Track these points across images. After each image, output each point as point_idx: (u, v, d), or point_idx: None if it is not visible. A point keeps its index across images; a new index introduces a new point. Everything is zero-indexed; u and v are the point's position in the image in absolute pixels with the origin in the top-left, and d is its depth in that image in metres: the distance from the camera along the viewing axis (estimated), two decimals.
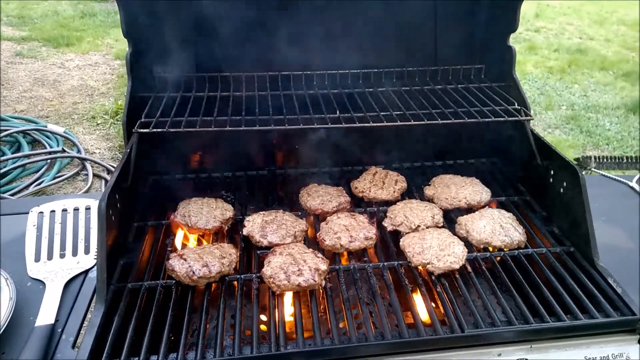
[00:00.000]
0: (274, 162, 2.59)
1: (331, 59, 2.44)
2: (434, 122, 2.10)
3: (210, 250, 1.94)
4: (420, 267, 1.91)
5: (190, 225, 2.10)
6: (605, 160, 2.74)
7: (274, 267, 1.84)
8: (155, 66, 2.32)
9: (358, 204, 2.33)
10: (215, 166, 2.56)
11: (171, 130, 2.02)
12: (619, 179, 2.64)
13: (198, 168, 2.56)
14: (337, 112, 2.18)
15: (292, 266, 1.84)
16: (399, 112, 2.19)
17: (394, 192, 2.31)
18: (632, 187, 2.58)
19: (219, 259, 1.89)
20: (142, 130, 2.03)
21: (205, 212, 2.14)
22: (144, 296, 1.82)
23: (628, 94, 7.77)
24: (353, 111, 2.20)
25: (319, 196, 2.24)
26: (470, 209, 2.23)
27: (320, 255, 1.92)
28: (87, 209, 2.25)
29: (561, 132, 6.78)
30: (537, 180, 2.28)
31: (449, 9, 2.49)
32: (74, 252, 2.06)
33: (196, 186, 2.48)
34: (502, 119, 2.15)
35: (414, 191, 2.41)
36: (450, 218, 2.21)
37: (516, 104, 2.26)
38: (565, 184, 2.08)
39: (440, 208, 2.21)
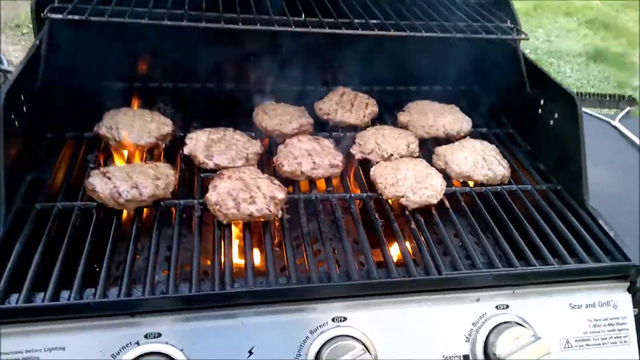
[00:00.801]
0: (224, 75, 2.24)
1: None
2: (417, 33, 1.83)
3: (142, 169, 1.63)
4: (392, 201, 1.68)
5: (117, 139, 1.76)
6: (587, 96, 2.57)
7: (220, 193, 1.55)
8: None
9: (322, 127, 2.05)
10: (152, 73, 2.20)
11: (92, 18, 1.65)
12: (601, 117, 2.49)
13: (130, 75, 2.18)
14: (302, 15, 1.86)
15: (243, 192, 1.56)
16: (375, 21, 1.90)
17: (364, 116, 2.04)
18: (614, 127, 2.43)
19: (152, 180, 1.58)
20: (54, 15, 1.64)
21: (137, 125, 1.81)
22: (55, 220, 1.51)
23: (590, 41, 7.74)
24: (321, 14, 1.89)
25: (277, 115, 1.94)
26: (448, 140, 2.01)
27: (277, 182, 1.65)
28: None
29: None
30: (523, 111, 2.07)
31: None
32: None
33: (128, 96, 2.11)
34: (493, 36, 1.90)
35: (387, 117, 2.15)
36: (427, 148, 1.97)
37: (508, 22, 2.01)
38: (556, 116, 1.88)
39: (416, 136, 1.97)
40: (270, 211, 1.54)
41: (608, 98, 2.57)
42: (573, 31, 8.00)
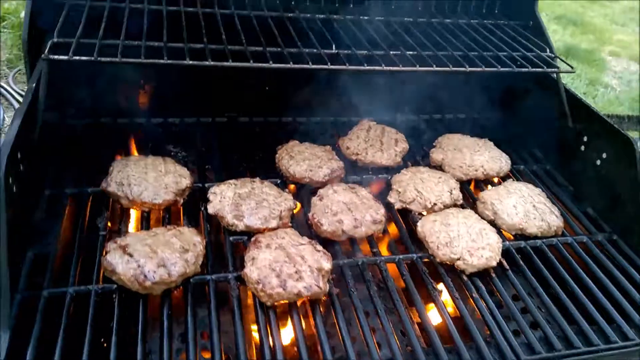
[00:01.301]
0: (236, 106, 1.98)
1: None
2: (459, 68, 1.63)
3: (165, 238, 1.38)
4: (445, 262, 1.49)
5: (131, 198, 1.50)
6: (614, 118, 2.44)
7: (261, 268, 1.32)
8: None
9: (350, 168, 1.83)
10: (157, 108, 1.92)
11: (103, 59, 1.37)
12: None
13: (133, 109, 1.90)
14: (319, 48, 1.63)
15: (287, 265, 1.34)
16: (411, 53, 1.68)
17: (395, 155, 1.84)
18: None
19: (180, 254, 1.33)
20: (57, 57, 1.35)
21: (151, 178, 1.54)
22: (69, 310, 1.25)
23: (560, 37, 7.72)
24: (337, 46, 1.66)
25: (305, 159, 1.71)
26: (486, 180, 1.83)
27: (319, 247, 1.43)
28: None
29: None
30: (562, 147, 1.91)
31: None
32: None
33: (132, 136, 1.83)
34: (539, 69, 1.71)
35: (416, 151, 1.95)
36: (465, 191, 1.79)
37: (548, 50, 1.83)
38: (605, 155, 1.72)
39: (454, 178, 1.78)
40: (320, 288, 1.32)
41: (627, 120, 2.45)
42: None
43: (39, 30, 1.55)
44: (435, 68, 1.58)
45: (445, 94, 2.13)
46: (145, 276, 1.26)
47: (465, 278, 1.46)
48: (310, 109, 2.01)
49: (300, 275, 1.32)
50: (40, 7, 1.56)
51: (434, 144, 1.95)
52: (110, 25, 1.53)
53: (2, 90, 4.36)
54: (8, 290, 1.16)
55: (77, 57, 1.34)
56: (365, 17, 1.85)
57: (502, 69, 1.65)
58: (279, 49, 1.56)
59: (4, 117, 4.09)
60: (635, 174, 1.58)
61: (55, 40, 1.41)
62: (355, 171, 1.82)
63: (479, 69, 1.63)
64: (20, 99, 4.28)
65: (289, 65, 1.47)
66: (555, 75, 1.86)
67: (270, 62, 1.47)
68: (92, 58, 1.35)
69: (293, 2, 1.83)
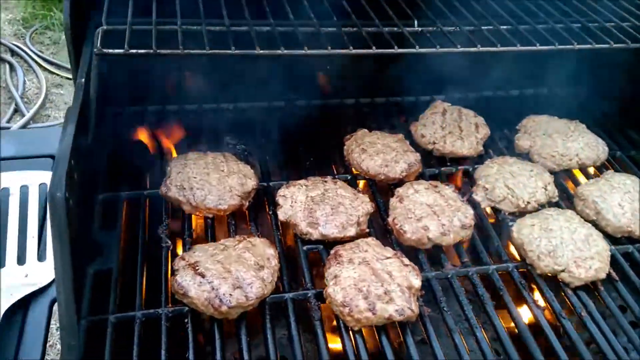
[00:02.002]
0: (292, 88, 1.76)
1: None
2: (567, 46, 1.36)
3: (237, 252, 1.21)
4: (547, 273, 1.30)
5: (194, 204, 1.32)
6: None
7: (346, 288, 1.15)
8: None
9: (425, 158, 1.61)
10: (207, 93, 1.71)
11: (163, 52, 1.16)
12: None
13: (182, 95, 1.69)
14: (400, 25, 1.37)
15: (374, 285, 1.16)
16: (506, 27, 1.42)
17: (477, 142, 1.61)
18: None
19: (255, 271, 1.17)
20: (111, 51, 1.14)
21: (214, 180, 1.36)
22: (140, 336, 1.10)
23: None
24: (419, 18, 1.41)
25: (378, 152, 1.50)
26: (581, 170, 1.61)
27: (406, 260, 1.24)
28: (41, 185, 1.40)
29: None
30: None
31: None
32: (21, 260, 1.25)
33: (184, 125, 1.64)
34: None
35: (497, 137, 1.72)
36: (558, 184, 1.56)
37: None
38: None
39: (545, 169, 1.55)
40: (413, 311, 1.14)
41: None
42: None
43: (81, 8, 1.34)
44: (538, 47, 1.32)
45: (524, 67, 1.86)
46: (220, 300, 1.10)
47: (570, 292, 1.27)
48: (374, 88, 1.77)
49: (390, 296, 1.15)
50: None
51: (517, 127, 1.71)
52: (162, 8, 1.31)
53: (20, 51, 4.16)
54: (75, 318, 1.02)
55: (134, 51, 1.13)
56: None
57: (615, 46, 1.38)
58: (334, 29, 1.31)
59: (24, 81, 3.92)
60: None
61: (105, 27, 1.20)
62: (430, 162, 1.61)
63: (588, 46, 1.37)
64: (39, 61, 4.06)
65: (371, 51, 1.24)
66: None
67: (351, 47, 1.24)
68: (151, 51, 1.14)
69: None
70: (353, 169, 1.53)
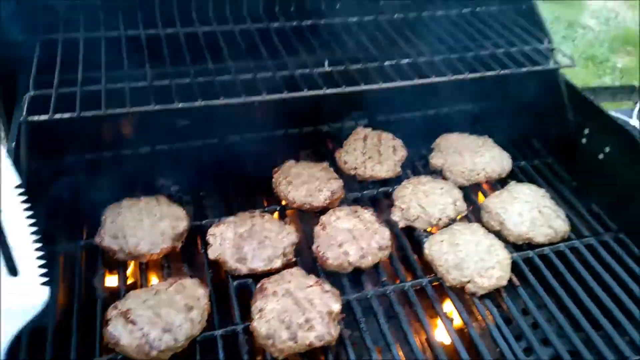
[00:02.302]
0: (225, 125, 1.81)
1: None
2: (459, 76, 1.47)
3: (168, 296, 1.26)
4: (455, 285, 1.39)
5: (127, 251, 1.37)
6: (600, 91, 2.29)
7: (270, 321, 1.22)
8: None
9: (348, 182, 1.69)
10: (142, 136, 1.75)
11: (86, 115, 1.20)
12: (618, 115, 2.22)
13: (117, 141, 1.73)
14: (326, 64, 1.46)
15: (296, 315, 1.23)
16: (389, 62, 1.50)
17: (395, 165, 1.70)
18: (633, 126, 2.17)
19: (185, 313, 1.22)
20: (36, 118, 1.19)
21: (147, 226, 1.41)
22: None
23: None
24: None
25: (303, 183, 1.57)
26: (489, 183, 1.71)
27: (327, 286, 1.32)
28: None
29: None
30: (563, 139, 1.77)
31: None
32: None
33: (120, 171, 1.67)
34: (539, 67, 1.55)
35: (415, 160, 1.80)
36: (469, 198, 1.66)
37: (546, 42, 1.66)
38: (608, 149, 1.59)
39: (456, 185, 1.65)
40: (332, 335, 1.22)
41: (621, 91, 2.30)
42: None
43: (10, 74, 1.37)
44: (434, 79, 1.42)
45: (439, 88, 1.95)
46: (150, 346, 1.16)
47: (477, 301, 1.36)
48: (303, 118, 1.84)
49: (311, 324, 1.22)
50: (10, 47, 1.37)
51: (432, 146, 1.80)
52: (88, 61, 1.35)
53: None
54: None
55: (59, 116, 1.18)
56: (354, 19, 1.65)
57: (502, 72, 1.49)
58: (269, 74, 1.39)
59: None
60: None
61: (32, 93, 1.24)
62: (354, 186, 1.68)
63: (478, 75, 1.47)
64: None
65: (283, 95, 1.31)
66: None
67: (264, 93, 1.31)
68: (74, 114, 1.18)
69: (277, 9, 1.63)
70: (282, 200, 1.59)
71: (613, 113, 2.16)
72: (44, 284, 1.01)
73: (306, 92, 1.36)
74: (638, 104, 2.27)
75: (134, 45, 1.44)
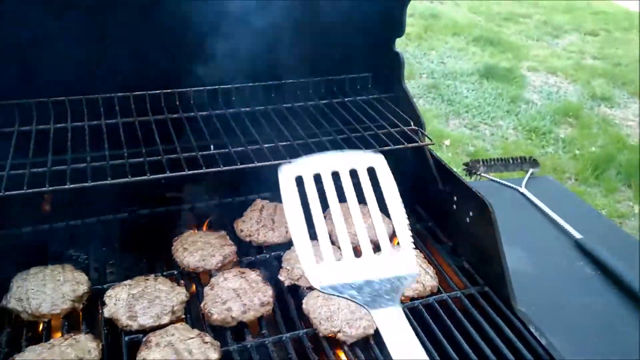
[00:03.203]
0: (135, 201, 2.12)
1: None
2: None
3: (60, 349, 1.49)
4: (329, 336, 1.65)
5: (30, 312, 1.61)
6: (492, 162, 2.68)
7: None
8: None
9: (246, 249, 1.99)
10: (56, 213, 2.03)
11: (10, 194, 1.49)
12: (508, 184, 2.60)
13: (32, 217, 2.01)
14: (212, 148, 1.80)
15: None
16: (285, 143, 1.86)
17: (286, 232, 2.00)
18: (522, 193, 2.55)
19: None
20: None
21: (49, 289, 1.66)
22: None
23: (480, 59, 8.17)
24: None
25: (198, 249, 1.86)
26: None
27: (208, 338, 1.57)
28: None
29: (425, 101, 6.93)
30: (439, 206, 2.11)
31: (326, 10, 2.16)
32: None
33: (34, 244, 1.94)
34: (401, 146, 1.92)
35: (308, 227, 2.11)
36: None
37: (412, 123, 2.05)
38: (471, 214, 1.93)
39: None
40: None
41: (512, 162, 2.69)
42: (463, 50, 8.41)
43: None
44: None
45: None
46: None
47: (346, 349, 1.62)
48: (208, 191, 2.16)
49: None
50: None
51: (324, 214, 2.11)
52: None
53: None
54: None
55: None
56: (245, 109, 2.03)
57: (366, 151, 1.84)
58: (158, 157, 1.72)
59: None
60: (495, 236, 1.78)
61: None
62: (250, 251, 1.98)
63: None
64: None
65: (166, 175, 1.63)
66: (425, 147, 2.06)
67: (148, 174, 1.63)
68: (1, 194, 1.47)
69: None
70: (180, 266, 1.87)
71: (504, 182, 2.57)
72: None
73: (187, 172, 1.68)
74: (528, 173, 2.66)
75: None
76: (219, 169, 1.70)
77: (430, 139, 1.95)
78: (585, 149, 6.17)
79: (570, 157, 6.04)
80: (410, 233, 0.97)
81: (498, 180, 2.62)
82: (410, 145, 1.91)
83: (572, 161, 5.95)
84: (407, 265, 0.92)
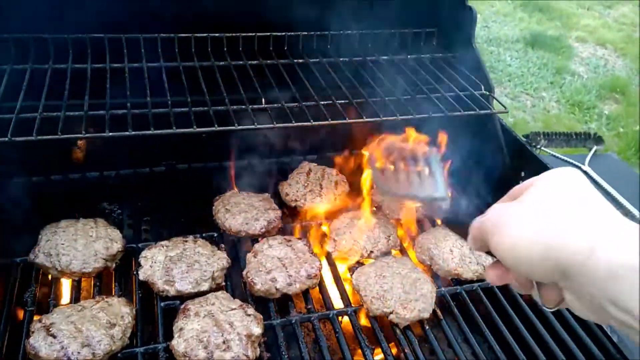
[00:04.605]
0: (174, 154, 1.95)
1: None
2: (407, 116, 1.61)
3: (92, 312, 1.36)
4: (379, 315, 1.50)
5: (59, 268, 1.48)
6: (554, 136, 2.46)
7: (188, 340, 1.32)
8: None
9: (292, 213, 1.83)
10: (90, 162, 1.88)
11: (43, 138, 1.34)
12: (571, 160, 2.38)
13: (64, 165, 1.86)
14: (263, 102, 1.61)
15: (215, 335, 1.33)
16: (344, 101, 1.66)
17: (335, 198, 1.83)
18: (585, 172, 2.32)
19: (106, 330, 1.32)
20: None
21: (80, 245, 1.52)
22: None
23: (526, 25, 7.74)
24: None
25: (241, 212, 1.70)
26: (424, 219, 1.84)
27: (251, 310, 1.42)
28: None
29: None
30: (501, 180, 1.91)
31: None
32: None
33: (65, 195, 1.80)
34: (472, 112, 1.71)
35: (358, 195, 1.94)
36: (405, 234, 1.79)
37: (482, 88, 1.83)
38: None
39: (391, 220, 1.78)
40: (248, 357, 1.32)
41: (574, 137, 2.46)
42: (509, 15, 7.97)
43: None
44: (382, 119, 1.58)
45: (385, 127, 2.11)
46: (68, 358, 1.25)
47: (398, 332, 1.47)
48: (250, 150, 1.99)
49: (229, 344, 1.32)
50: None
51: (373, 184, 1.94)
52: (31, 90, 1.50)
53: None
54: None
55: (17, 139, 1.31)
56: (296, 60, 1.82)
57: (433, 115, 1.64)
58: (205, 108, 1.54)
59: None
60: None
61: None
62: (295, 218, 1.82)
63: (409, 117, 1.62)
64: None
65: (212, 129, 1.46)
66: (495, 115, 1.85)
67: (194, 126, 1.45)
68: (33, 138, 1.32)
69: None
70: (220, 228, 1.72)
71: (566, 158, 2.35)
72: None
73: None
74: (591, 151, 2.43)
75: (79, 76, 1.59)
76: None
77: (504, 106, 1.73)
78: (629, 127, 5.83)
79: (613, 135, 5.72)
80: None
81: (559, 155, 2.40)
82: (482, 112, 1.70)
83: (615, 139, 5.64)
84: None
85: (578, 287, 0.66)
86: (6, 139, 1.27)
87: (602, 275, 0.62)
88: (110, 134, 1.38)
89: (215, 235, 1.70)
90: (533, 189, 0.74)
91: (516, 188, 0.80)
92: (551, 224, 0.67)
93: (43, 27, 1.60)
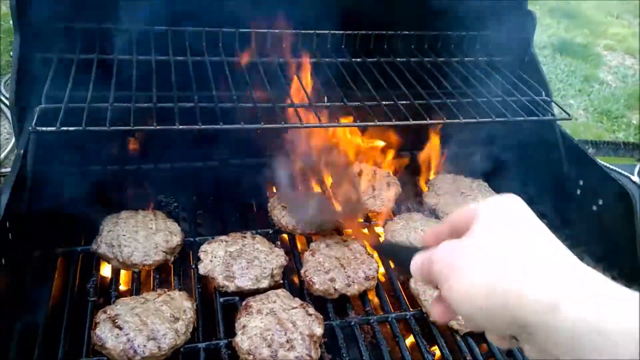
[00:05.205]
0: (227, 149, 1.93)
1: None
2: (454, 120, 1.59)
3: (155, 305, 1.35)
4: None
5: (121, 260, 1.47)
6: (602, 145, 2.41)
7: (252, 337, 1.30)
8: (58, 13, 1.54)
9: None
10: (146, 154, 1.87)
11: (91, 129, 1.33)
12: (619, 170, 2.33)
13: (120, 157, 1.85)
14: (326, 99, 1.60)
15: (278, 334, 1.31)
16: (388, 103, 1.62)
17: (388, 200, 1.80)
18: (634, 182, 2.28)
19: (170, 323, 1.31)
20: (43, 129, 1.31)
21: (141, 237, 1.51)
22: None
23: (554, 31, 7.63)
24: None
25: None
26: None
27: (312, 310, 1.40)
28: None
29: None
30: (558, 190, 1.87)
31: None
32: None
33: (120, 185, 1.79)
34: (535, 117, 1.67)
35: (409, 193, 1.92)
36: None
37: (543, 93, 1.79)
38: (600, 202, 1.69)
39: None
40: (312, 357, 1.30)
41: (622, 147, 2.41)
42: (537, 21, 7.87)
43: (26, 88, 1.50)
44: (430, 121, 1.54)
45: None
46: (134, 351, 1.24)
47: (458, 338, 1.44)
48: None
49: (292, 344, 1.30)
50: (28, 63, 1.51)
51: (427, 185, 1.91)
52: (100, 80, 1.49)
53: None
54: None
55: (65, 128, 1.30)
56: (340, 59, 1.79)
57: (496, 119, 1.61)
58: (269, 104, 1.52)
59: None
60: (634, 229, 1.54)
61: (43, 106, 1.37)
62: None
63: (473, 121, 1.59)
64: None
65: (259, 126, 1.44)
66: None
67: (242, 123, 1.43)
68: (80, 128, 1.31)
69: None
70: (275, 224, 1.70)
71: (614, 167, 2.30)
72: None
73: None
74: None
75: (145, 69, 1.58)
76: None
77: (567, 113, 1.69)
78: None
79: None
80: None
81: (607, 165, 2.35)
82: (546, 118, 1.66)
83: None
84: None
85: (541, 343, 0.59)
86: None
87: (567, 335, 0.56)
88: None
89: (271, 231, 1.68)
90: (480, 223, 0.67)
91: (455, 217, 0.74)
92: (509, 272, 0.61)
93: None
